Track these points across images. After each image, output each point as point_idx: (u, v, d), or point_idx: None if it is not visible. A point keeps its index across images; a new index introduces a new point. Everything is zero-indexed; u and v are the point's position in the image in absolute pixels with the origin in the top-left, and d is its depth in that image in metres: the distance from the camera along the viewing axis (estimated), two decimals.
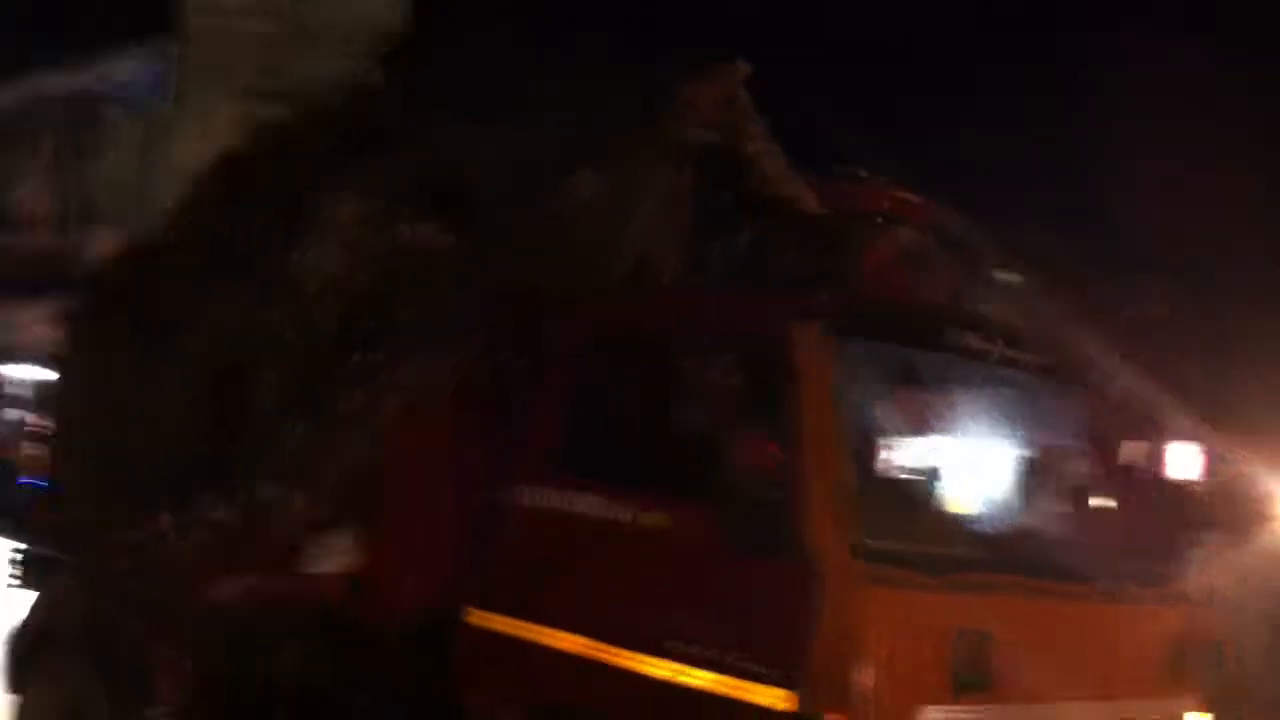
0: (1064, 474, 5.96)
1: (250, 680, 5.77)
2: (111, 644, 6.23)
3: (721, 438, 4.87)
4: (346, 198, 6.09)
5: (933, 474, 5.85)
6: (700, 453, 4.95)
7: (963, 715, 4.57)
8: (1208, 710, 5.49)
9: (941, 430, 5.76)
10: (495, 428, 5.67)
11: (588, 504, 5.32)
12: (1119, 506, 6.06)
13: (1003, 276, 7.45)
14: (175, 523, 5.81)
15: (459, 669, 5.55)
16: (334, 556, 5.76)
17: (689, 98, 6.10)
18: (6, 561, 7.35)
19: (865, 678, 4.46)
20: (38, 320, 12.67)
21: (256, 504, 5.67)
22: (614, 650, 5.04)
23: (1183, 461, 11.64)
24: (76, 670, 6.44)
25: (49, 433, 7.70)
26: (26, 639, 6.80)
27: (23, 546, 7.29)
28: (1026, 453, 5.85)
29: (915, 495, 5.61)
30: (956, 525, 5.54)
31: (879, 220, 6.09)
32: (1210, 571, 7.17)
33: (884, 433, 5.47)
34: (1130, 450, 6.85)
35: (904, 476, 5.81)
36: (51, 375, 8.54)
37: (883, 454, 5.52)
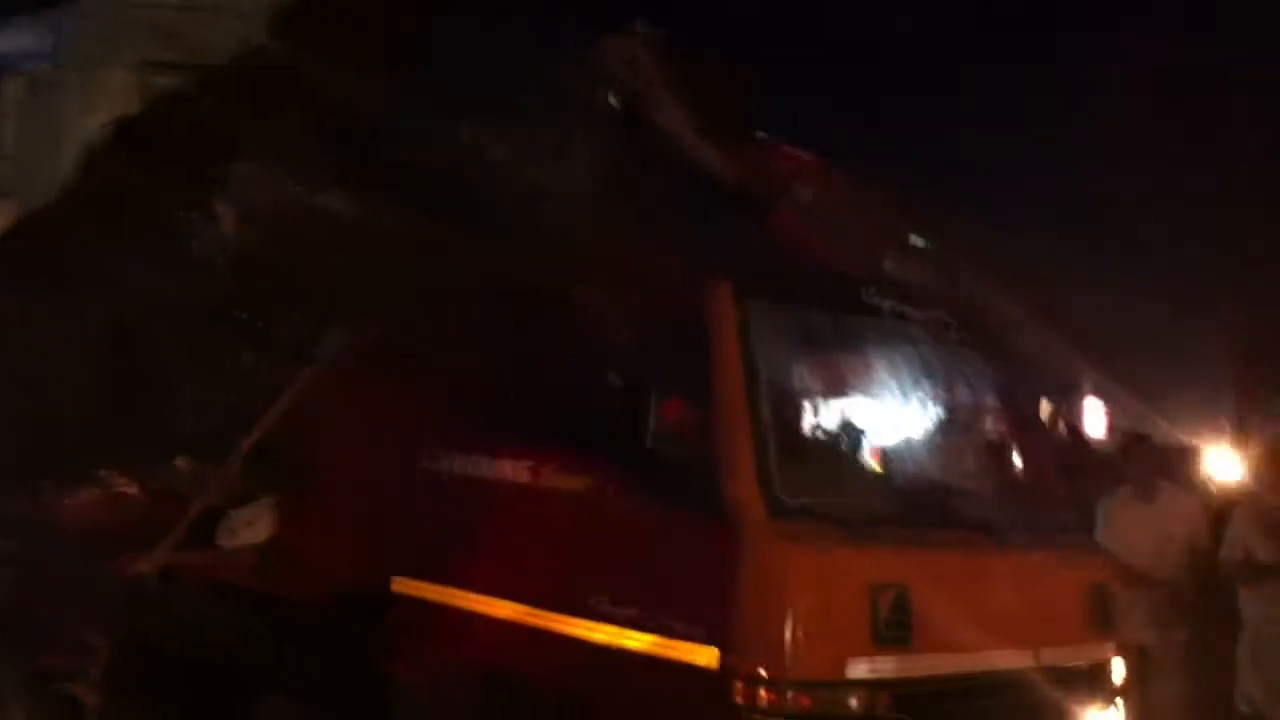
0: (977, 429, 6.02)
1: (168, 655, 5.67)
2: (21, 621, 6.09)
3: (638, 397, 4.87)
4: (243, 160, 5.98)
5: (848, 431, 5.87)
6: (618, 413, 4.93)
7: (885, 666, 4.61)
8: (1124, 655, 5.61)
9: (856, 388, 5.78)
10: (410, 392, 5.59)
11: (506, 467, 5.28)
12: (1031, 460, 6.12)
13: (913, 239, 7.51)
14: (75, 494, 5.69)
15: (385, 639, 5.48)
16: (250, 529, 5.67)
17: (593, 58, 6.06)
18: None
19: (788, 633, 4.49)
20: None
21: (165, 477, 5.56)
22: (541, 614, 5.02)
23: (1092, 417, 11.82)
24: None
25: None
26: None
27: None
28: (940, 409, 5.89)
29: (831, 452, 5.62)
30: (873, 481, 5.57)
31: (782, 181, 6.09)
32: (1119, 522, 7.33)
33: (799, 391, 5.48)
34: (1041, 406, 6.93)
35: (820, 434, 5.82)
36: None
37: (798, 412, 5.53)
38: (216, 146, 6.12)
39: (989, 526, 5.24)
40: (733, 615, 4.55)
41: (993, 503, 5.59)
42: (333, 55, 6.48)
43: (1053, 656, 5.17)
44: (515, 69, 6.17)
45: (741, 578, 4.57)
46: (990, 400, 6.08)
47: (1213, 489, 9.84)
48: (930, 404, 5.74)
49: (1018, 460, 6.14)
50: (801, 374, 5.44)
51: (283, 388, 5.56)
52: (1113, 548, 6.81)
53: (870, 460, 5.75)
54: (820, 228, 6.02)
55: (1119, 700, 5.59)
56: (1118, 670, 5.60)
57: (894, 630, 4.63)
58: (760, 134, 6.30)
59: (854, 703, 4.54)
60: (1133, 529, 7.53)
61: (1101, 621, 5.51)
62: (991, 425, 6.15)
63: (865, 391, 5.72)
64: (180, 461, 5.58)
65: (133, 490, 5.62)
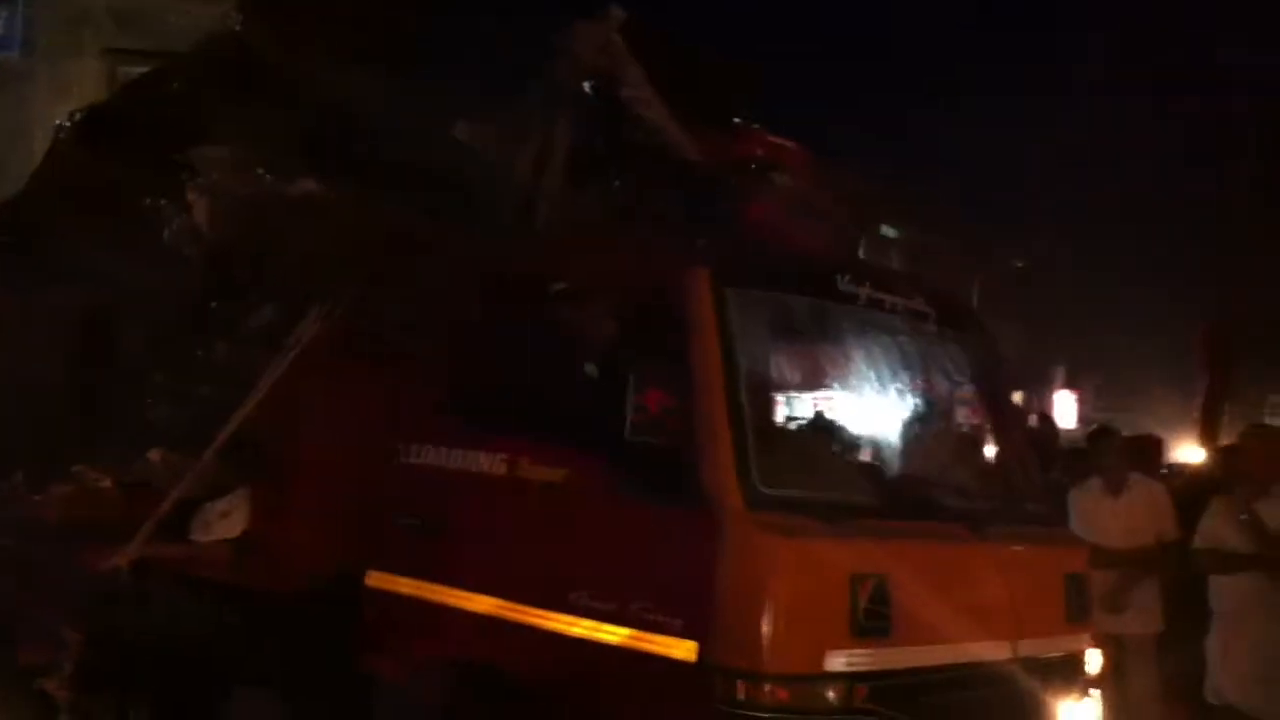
0: (955, 419, 6.01)
1: (142, 650, 5.60)
2: None
3: (615, 386, 4.79)
4: (212, 146, 5.91)
5: (826, 421, 5.86)
6: (595, 402, 4.88)
7: (865, 658, 4.57)
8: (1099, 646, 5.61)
9: (835, 378, 5.77)
10: (384, 382, 5.53)
11: (481, 459, 5.22)
12: (1007, 451, 6.11)
13: (886, 229, 7.48)
14: (47, 489, 5.62)
15: (361, 633, 5.42)
16: (224, 522, 5.60)
17: (567, 44, 6.02)
18: None
19: (767, 625, 4.45)
20: None
21: (138, 470, 5.50)
22: (518, 608, 4.96)
23: (1063, 408, 11.89)
24: None
25: None
26: None
27: None
28: (917, 399, 5.87)
29: (810, 442, 5.61)
30: (851, 471, 5.56)
31: (754, 167, 6.06)
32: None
33: (778, 380, 5.46)
34: (1017, 396, 6.94)
35: (798, 424, 5.81)
36: None
37: (778, 402, 5.51)
38: (187, 134, 6.05)
39: (967, 517, 5.23)
40: (711, 608, 4.50)
41: (970, 493, 5.58)
42: (300, 41, 6.41)
43: (1031, 647, 5.16)
44: (489, 55, 6.12)
45: (720, 569, 4.52)
46: (967, 390, 6.07)
47: (1182, 480, 9.87)
48: (908, 394, 5.73)
49: (994, 450, 6.14)
50: (780, 363, 5.42)
51: (258, 378, 5.49)
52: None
53: (848, 450, 5.74)
54: (799, 215, 6.00)
55: (1095, 691, 5.59)
56: (1094, 661, 5.60)
57: (873, 621, 4.59)
58: (737, 121, 6.26)
59: (833, 696, 4.50)
60: (1101, 520, 7.55)
61: (1078, 612, 5.51)
62: (969, 415, 6.15)
63: (844, 381, 5.71)
64: (154, 454, 5.51)
65: (105, 484, 5.54)
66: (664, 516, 4.70)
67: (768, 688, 4.42)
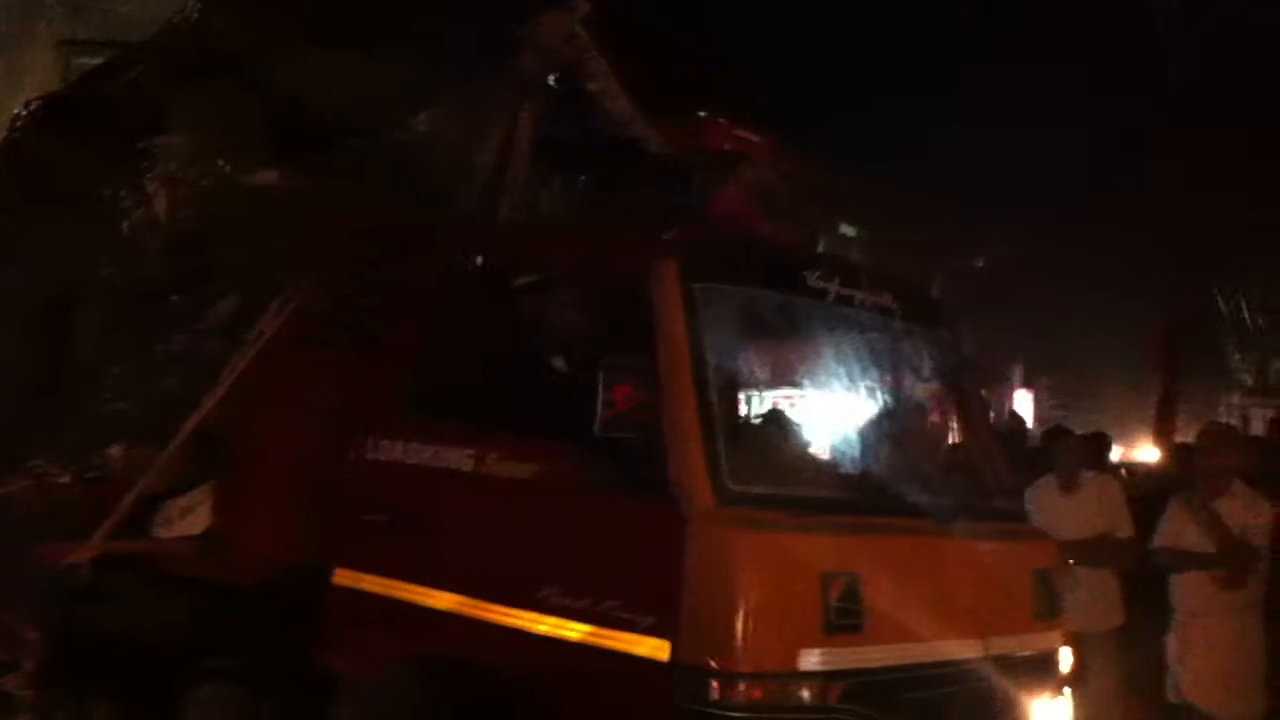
0: (923, 414, 5.99)
1: (104, 647, 5.50)
2: None
3: (583, 380, 4.72)
4: (171, 133, 5.82)
5: (795, 416, 5.83)
6: (562, 396, 4.83)
7: (837, 656, 4.53)
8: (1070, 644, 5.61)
9: (804, 373, 5.73)
10: (349, 375, 5.45)
11: (447, 453, 5.15)
12: (973, 447, 6.11)
13: (845, 229, 7.49)
14: (4, 484, 5.52)
15: (327, 629, 5.33)
16: (186, 518, 5.52)
17: (531, 35, 5.96)
18: None
19: (739, 623, 4.39)
20: None
21: (98, 465, 5.40)
22: (485, 605, 4.88)
23: (1021, 407, 11.97)
24: None
25: None
26: None
27: None
28: (886, 394, 5.85)
29: (779, 437, 5.57)
30: (821, 467, 5.53)
31: (722, 159, 6.03)
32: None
33: (748, 375, 5.42)
34: (980, 394, 6.95)
35: (768, 419, 5.78)
36: None
37: (748, 396, 5.48)
38: (144, 123, 5.95)
39: (936, 513, 5.19)
40: (681, 605, 4.43)
41: (939, 489, 5.55)
42: (259, 29, 6.32)
43: (1003, 645, 5.14)
44: (458, 47, 6.04)
45: (690, 566, 4.45)
46: (937, 386, 6.06)
47: (1139, 478, 9.97)
48: (879, 389, 5.71)
49: (961, 446, 6.14)
50: (750, 357, 5.38)
51: (220, 371, 5.40)
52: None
53: (817, 445, 5.71)
54: (760, 204, 5.97)
55: (1066, 689, 5.59)
56: (1065, 658, 5.60)
57: (845, 618, 4.55)
58: (703, 113, 6.22)
59: (806, 694, 4.46)
60: (1055, 516, 7.57)
61: (1047, 609, 5.50)
62: (936, 411, 6.14)
63: (813, 376, 5.67)
64: (115, 449, 5.41)
65: (65, 479, 5.44)
66: (634, 513, 4.65)
67: (741, 686, 4.37)
